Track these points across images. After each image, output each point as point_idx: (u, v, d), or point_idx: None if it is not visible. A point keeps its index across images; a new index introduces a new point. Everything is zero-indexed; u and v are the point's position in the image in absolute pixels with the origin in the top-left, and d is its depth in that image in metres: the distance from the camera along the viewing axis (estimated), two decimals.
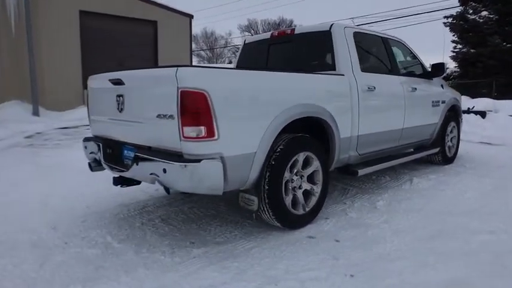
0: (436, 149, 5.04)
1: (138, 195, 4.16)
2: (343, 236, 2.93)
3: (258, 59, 4.30)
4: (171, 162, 2.40)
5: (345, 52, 3.57)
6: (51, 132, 9.20)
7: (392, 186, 4.32)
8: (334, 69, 3.55)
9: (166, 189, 2.53)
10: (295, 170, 3.01)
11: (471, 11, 13.76)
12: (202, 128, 2.36)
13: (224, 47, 50.90)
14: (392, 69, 4.22)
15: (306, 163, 3.10)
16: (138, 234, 3.05)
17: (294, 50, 4.00)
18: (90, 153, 3.41)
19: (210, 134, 2.38)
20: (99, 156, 3.21)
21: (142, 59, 15.61)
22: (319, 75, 3.31)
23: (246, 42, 4.55)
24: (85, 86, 13.60)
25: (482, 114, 8.69)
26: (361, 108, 3.55)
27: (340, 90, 3.38)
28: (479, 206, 3.59)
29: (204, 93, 2.35)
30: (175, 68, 2.37)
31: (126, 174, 2.85)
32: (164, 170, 2.42)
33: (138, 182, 3.26)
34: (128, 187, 3.45)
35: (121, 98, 2.87)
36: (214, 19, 62.76)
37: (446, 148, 5.29)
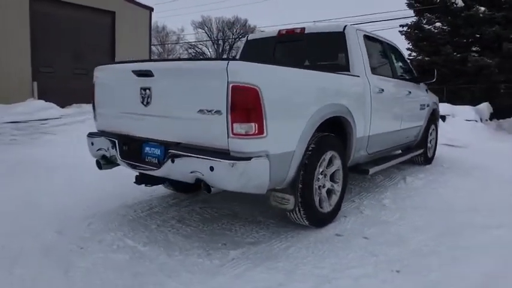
0: (421, 150, 5.36)
1: (138, 195, 3.94)
2: (369, 234, 3.02)
3: (264, 57, 4.27)
4: (219, 159, 2.31)
5: (359, 54, 3.68)
6: (2, 126, 8.40)
7: (389, 185, 4.52)
8: (348, 71, 3.64)
9: (207, 188, 2.43)
10: (321, 169, 3.05)
11: (425, 21, 14.80)
12: (253, 125, 2.30)
13: (176, 43, 49.79)
14: (392, 72, 4.42)
15: (330, 162, 3.15)
16: (159, 237, 2.90)
17: (304, 49, 4.04)
18: (98, 150, 3.17)
19: (260, 131, 2.33)
20: (114, 153, 2.99)
21: (99, 50, 14.80)
22: (344, 75, 3.38)
23: (248, 39, 4.51)
24: (34, 78, 12.63)
25: (443, 118, 9.38)
26: (373, 109, 3.67)
27: (358, 91, 3.48)
28: (474, 203, 3.88)
29: (256, 88, 2.29)
30: (226, 61, 2.29)
31: (156, 173, 2.69)
32: (211, 168, 2.33)
33: (164, 181, 3.08)
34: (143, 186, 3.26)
35: (147, 91, 2.70)
36: (167, 14, 61.09)
37: (428, 149, 5.65)
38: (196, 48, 49.78)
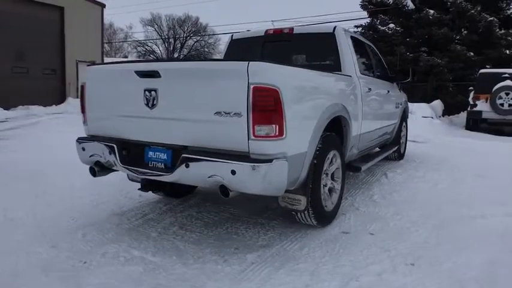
0: (396, 147, 5.63)
1: (124, 202, 3.78)
2: (373, 230, 3.13)
3: (251, 57, 4.24)
4: (242, 162, 2.27)
5: (349, 54, 3.79)
6: None
7: (373, 181, 4.70)
8: (339, 71, 3.73)
9: (226, 193, 2.37)
10: (325, 168, 3.10)
11: (378, 22, 15.57)
12: (274, 126, 2.29)
13: (124, 41, 47.99)
14: (374, 72, 4.60)
15: (331, 161, 3.21)
16: (167, 245, 2.79)
17: (293, 49, 4.08)
18: (91, 156, 2.98)
19: (280, 132, 2.32)
20: (111, 159, 2.82)
21: (45, 48, 13.92)
22: (341, 76, 3.46)
23: (233, 38, 4.46)
24: None
25: None
26: (364, 108, 3.80)
27: (353, 91, 3.58)
28: (455, 196, 4.14)
29: (277, 89, 2.28)
30: (246, 61, 2.25)
31: (166, 178, 2.58)
32: (233, 172, 2.28)
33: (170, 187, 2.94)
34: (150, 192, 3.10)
35: (153, 92, 2.59)
36: (114, 11, 58.59)
37: (400, 146, 5.95)
38: (146, 47, 48.33)
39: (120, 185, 4.10)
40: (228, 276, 2.34)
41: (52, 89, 13.92)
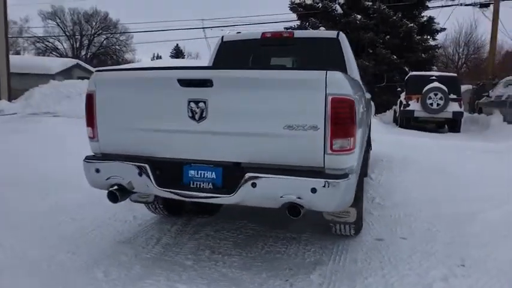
0: (369, 147, 5.92)
1: (119, 226, 3.39)
2: (401, 233, 3.22)
3: (245, 61, 4.09)
4: (323, 179, 2.14)
5: (352, 60, 3.87)
6: None
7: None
8: None
9: (297, 213, 2.21)
10: None
11: (308, 25, 16.28)
12: (350, 139, 2.21)
13: (18, 37, 42.75)
14: (359, 75, 4.76)
15: None
16: (213, 274, 2.53)
17: (293, 54, 4.02)
18: (108, 178, 2.56)
19: (353, 145, 2.26)
20: (142, 181, 2.45)
21: None
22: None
23: (224, 40, 4.23)
24: None
25: None
26: (367, 111, 3.91)
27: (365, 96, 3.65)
28: (434, 194, 4.40)
29: (353, 100, 2.21)
30: (324, 71, 2.14)
31: (226, 201, 2.31)
32: (313, 190, 2.14)
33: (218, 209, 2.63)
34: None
35: (201, 103, 2.32)
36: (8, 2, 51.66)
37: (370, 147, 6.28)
38: (47, 43, 43.86)
39: (90, 204, 3.68)
40: None
41: None
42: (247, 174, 2.24)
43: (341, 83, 2.18)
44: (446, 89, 10.50)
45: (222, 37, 4.28)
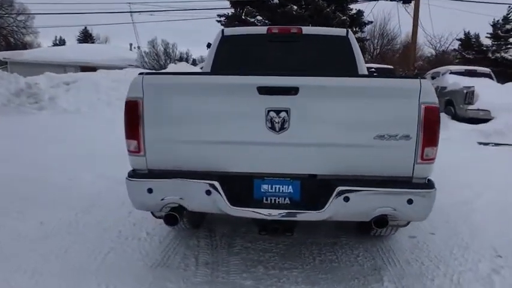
0: None
1: (136, 246, 3.03)
2: (428, 229, 3.38)
3: (250, 57, 3.88)
4: (419, 190, 2.13)
5: (361, 58, 3.90)
6: None
7: None
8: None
9: (384, 224, 2.18)
10: None
11: (242, 13, 16.11)
12: (436, 148, 2.23)
13: None
14: None
15: None
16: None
17: (301, 51, 3.91)
18: (163, 199, 2.24)
19: (436, 154, 2.27)
20: (210, 201, 2.19)
21: None
22: None
23: (225, 34, 3.94)
24: None
25: None
26: None
27: None
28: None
29: (438, 108, 2.21)
30: (417, 79, 2.10)
31: (315, 217, 2.17)
32: (409, 201, 2.12)
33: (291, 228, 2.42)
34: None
35: (283, 113, 2.13)
36: None
37: None
38: None
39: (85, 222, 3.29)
40: None
41: None
42: (338, 188, 2.13)
43: (431, 91, 2.18)
44: None
45: (222, 30, 3.99)
